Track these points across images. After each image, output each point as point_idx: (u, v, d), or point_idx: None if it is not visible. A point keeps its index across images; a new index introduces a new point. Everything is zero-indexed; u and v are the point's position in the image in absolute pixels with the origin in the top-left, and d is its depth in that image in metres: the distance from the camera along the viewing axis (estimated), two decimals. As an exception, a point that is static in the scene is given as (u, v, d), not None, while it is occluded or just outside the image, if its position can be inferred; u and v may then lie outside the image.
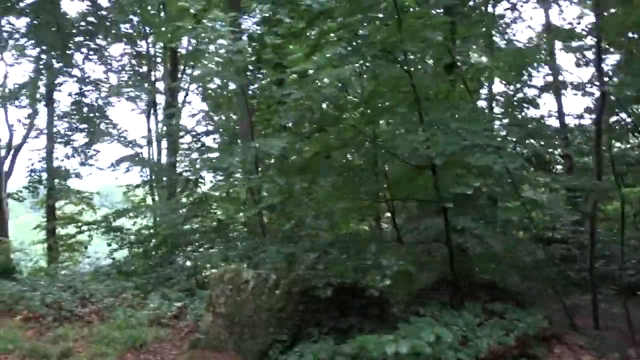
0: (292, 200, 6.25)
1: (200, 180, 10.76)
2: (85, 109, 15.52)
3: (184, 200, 12.10)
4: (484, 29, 8.63)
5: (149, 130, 19.66)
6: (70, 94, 15.92)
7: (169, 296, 7.60)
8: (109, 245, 11.46)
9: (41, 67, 16.64)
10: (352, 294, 4.89)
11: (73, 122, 16.02)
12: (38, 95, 17.51)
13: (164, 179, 18.10)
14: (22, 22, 13.95)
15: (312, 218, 7.20)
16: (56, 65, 14.33)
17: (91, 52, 14.93)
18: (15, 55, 15.63)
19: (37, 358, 5.73)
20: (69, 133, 16.16)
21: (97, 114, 15.83)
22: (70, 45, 13.95)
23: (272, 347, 5.13)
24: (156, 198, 18.02)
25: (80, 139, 16.71)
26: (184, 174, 12.93)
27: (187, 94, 18.70)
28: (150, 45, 17.76)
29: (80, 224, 10.78)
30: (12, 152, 17.57)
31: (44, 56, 14.36)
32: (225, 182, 9.99)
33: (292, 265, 5.67)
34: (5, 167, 17.27)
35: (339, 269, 4.61)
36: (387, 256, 4.47)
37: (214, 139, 19.02)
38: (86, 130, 15.90)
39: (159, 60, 18.31)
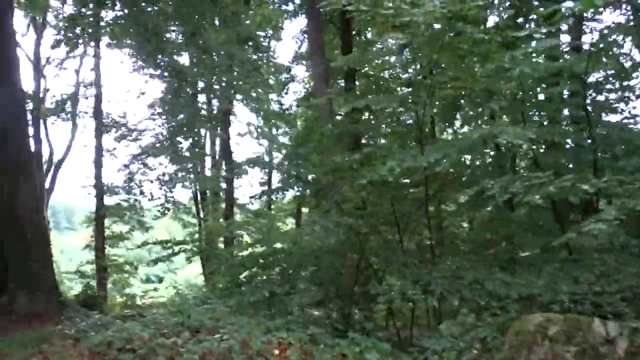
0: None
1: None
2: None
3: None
4: None
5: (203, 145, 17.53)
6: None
7: (367, 344, 5.08)
8: (206, 268, 9.02)
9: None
10: None
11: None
12: (86, 108, 15.62)
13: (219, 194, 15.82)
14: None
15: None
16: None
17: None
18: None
19: None
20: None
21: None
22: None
23: None
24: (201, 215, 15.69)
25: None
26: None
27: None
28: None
29: (169, 243, 8.32)
30: (52, 168, 15.63)
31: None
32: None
33: None
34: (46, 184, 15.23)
35: None
36: None
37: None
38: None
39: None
